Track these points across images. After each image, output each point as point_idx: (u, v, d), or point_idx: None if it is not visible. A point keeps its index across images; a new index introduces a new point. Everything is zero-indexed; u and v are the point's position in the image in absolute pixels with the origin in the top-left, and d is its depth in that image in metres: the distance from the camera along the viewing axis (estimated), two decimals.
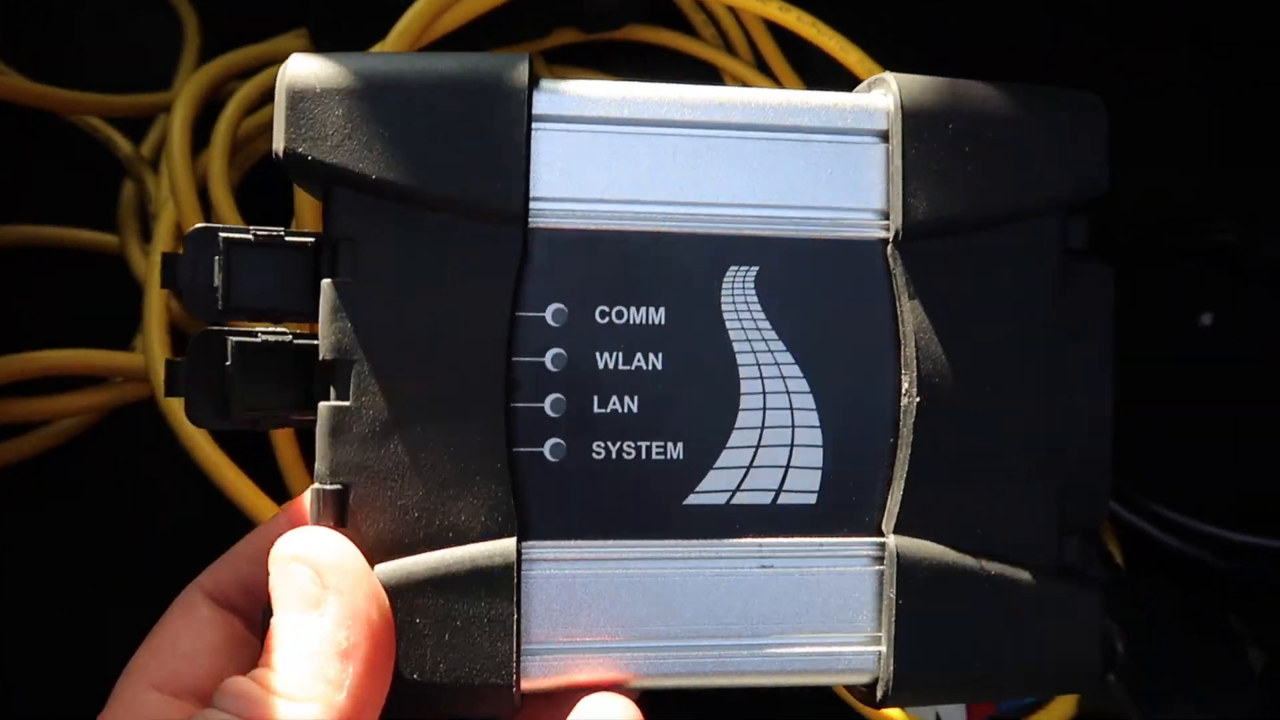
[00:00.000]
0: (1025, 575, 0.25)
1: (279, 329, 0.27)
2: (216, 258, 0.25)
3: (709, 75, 0.50)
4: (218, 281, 0.26)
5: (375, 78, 0.24)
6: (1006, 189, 0.25)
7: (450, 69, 0.24)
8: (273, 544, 0.26)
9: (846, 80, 0.46)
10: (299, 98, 0.23)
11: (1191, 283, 0.50)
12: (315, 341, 0.26)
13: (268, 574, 0.23)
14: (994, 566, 0.25)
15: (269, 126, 0.44)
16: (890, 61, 0.39)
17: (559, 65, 0.49)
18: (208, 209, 0.41)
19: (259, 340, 0.26)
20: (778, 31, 0.48)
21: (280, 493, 0.39)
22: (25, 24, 0.47)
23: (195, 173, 0.40)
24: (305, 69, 0.24)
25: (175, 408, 0.38)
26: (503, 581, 0.23)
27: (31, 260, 0.44)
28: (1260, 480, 0.49)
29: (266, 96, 0.44)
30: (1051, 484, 0.26)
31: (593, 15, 0.47)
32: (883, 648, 0.25)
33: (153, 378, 0.39)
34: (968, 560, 0.25)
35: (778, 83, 0.49)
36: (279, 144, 0.24)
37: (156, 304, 0.40)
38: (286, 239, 0.26)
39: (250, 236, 0.26)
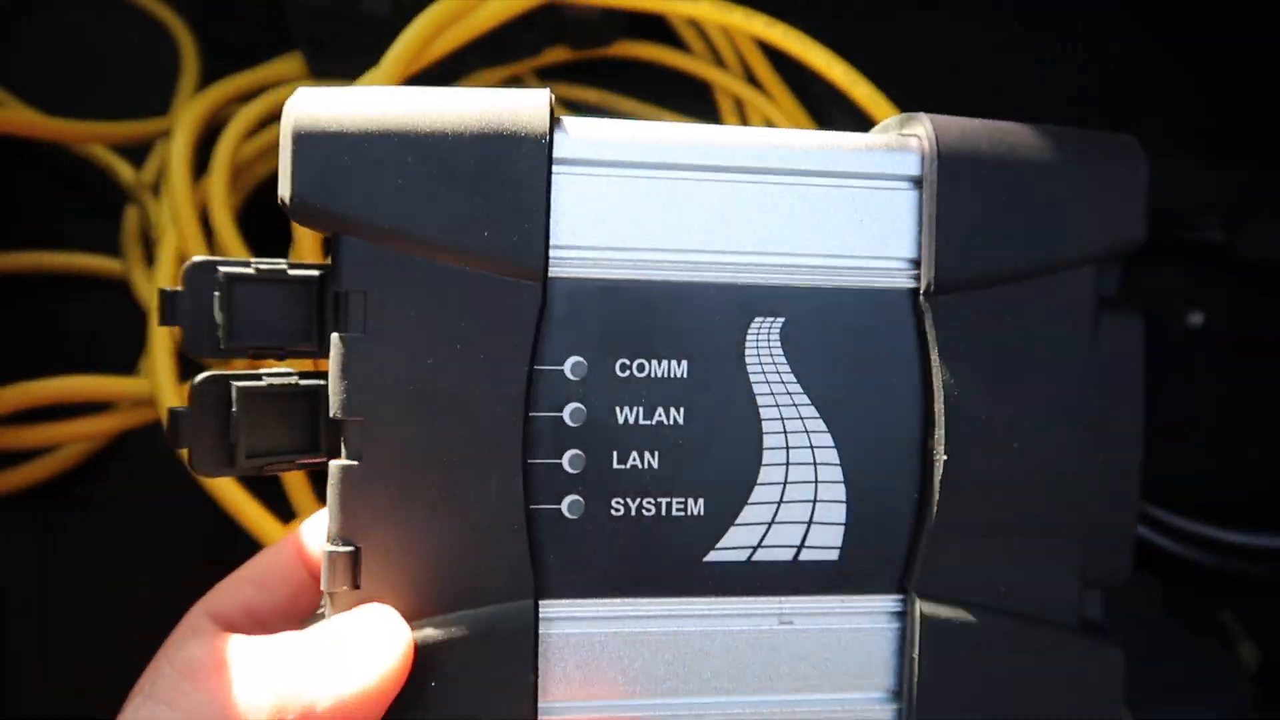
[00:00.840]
0: (1048, 633, 0.25)
1: (283, 369, 0.26)
2: (216, 293, 0.24)
3: (699, 89, 0.49)
4: (218, 318, 0.25)
5: (387, 119, 0.22)
6: (1043, 239, 0.25)
7: (466, 109, 0.23)
8: (275, 568, 0.25)
9: (835, 90, 0.45)
10: (306, 141, 0.22)
11: (1181, 282, 0.49)
12: (322, 381, 0.25)
13: (271, 598, 0.24)
14: (1017, 625, 0.25)
15: (268, 150, 0.44)
16: (878, 73, 0.38)
17: (552, 81, 0.48)
18: (210, 233, 0.40)
19: (264, 384, 0.25)
20: (766, 46, 0.48)
21: (285, 512, 0.39)
22: (24, 51, 0.47)
23: (196, 198, 0.40)
24: (311, 108, 0.22)
25: None
26: (520, 643, 0.23)
27: (37, 286, 0.45)
28: (1250, 478, 0.49)
29: (265, 119, 0.43)
30: (1076, 539, 0.25)
31: (579, 32, 0.47)
32: (902, 704, 0.25)
33: (158, 406, 0.39)
34: (990, 619, 0.25)
35: (767, 95, 0.48)
36: (285, 191, 0.22)
37: (161, 330, 0.39)
38: (290, 272, 0.25)
39: (252, 270, 0.25)
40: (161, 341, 0.39)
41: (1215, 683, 0.43)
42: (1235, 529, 0.48)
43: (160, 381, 0.39)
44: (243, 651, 0.21)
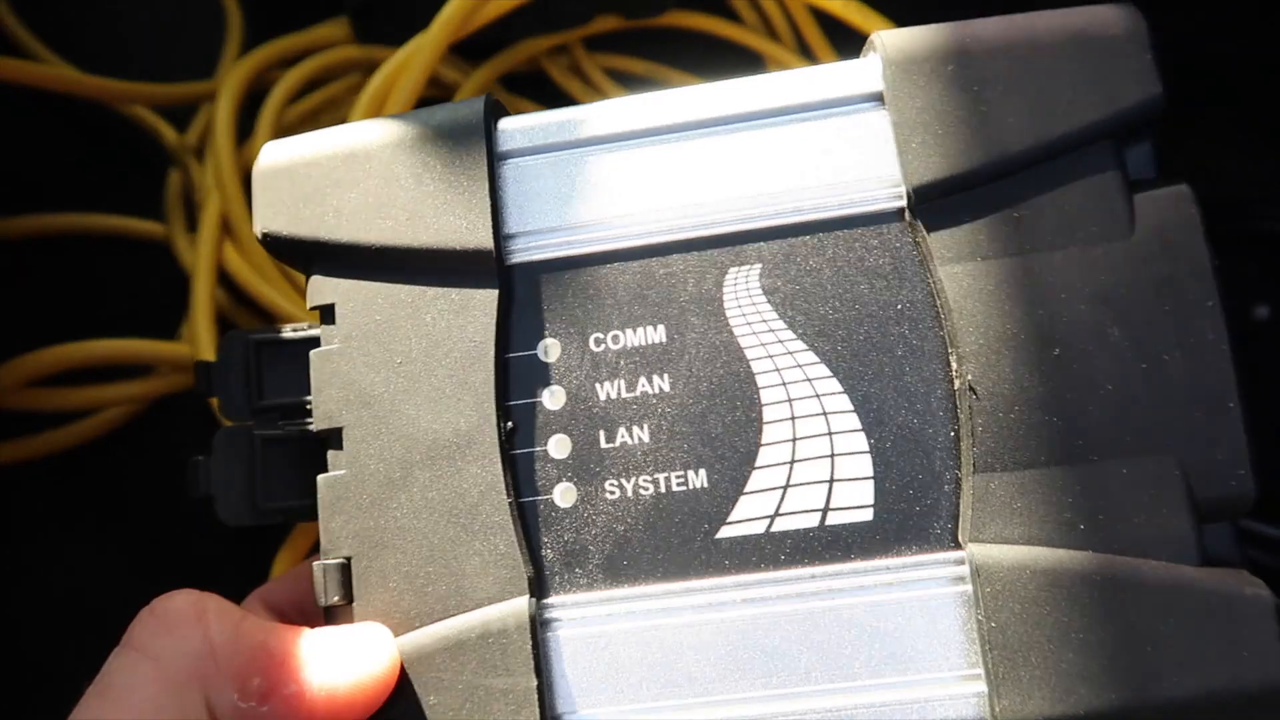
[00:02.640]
0: (1152, 571, 0.20)
1: (305, 420, 0.27)
2: (247, 362, 0.26)
3: (752, 61, 0.47)
4: (248, 384, 0.26)
5: (339, 146, 0.24)
6: (1033, 124, 0.22)
7: (410, 125, 0.24)
8: None
9: None
10: (268, 178, 0.24)
11: (1245, 275, 0.42)
12: None
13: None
14: (1107, 565, 0.20)
15: (312, 115, 0.44)
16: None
17: (601, 51, 0.47)
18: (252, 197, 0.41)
19: (282, 432, 0.26)
20: (822, 16, 0.46)
21: None
22: (71, 12, 0.47)
23: (240, 161, 0.40)
24: (275, 154, 0.24)
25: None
26: (518, 646, 0.21)
27: (78, 249, 0.44)
28: None
29: (309, 85, 0.44)
30: (1169, 459, 0.21)
31: (634, 0, 0.45)
32: (983, 686, 0.20)
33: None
34: (1070, 560, 0.20)
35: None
36: (257, 227, 0.24)
37: (204, 295, 0.39)
38: (314, 334, 0.26)
39: (280, 336, 0.26)
40: (203, 306, 0.39)
41: None
42: None
43: (201, 346, 0.38)
44: (225, 615, 0.20)
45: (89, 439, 0.42)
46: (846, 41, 0.45)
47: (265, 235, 0.24)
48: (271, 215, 0.24)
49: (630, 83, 0.47)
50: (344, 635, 0.21)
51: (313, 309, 0.24)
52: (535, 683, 0.21)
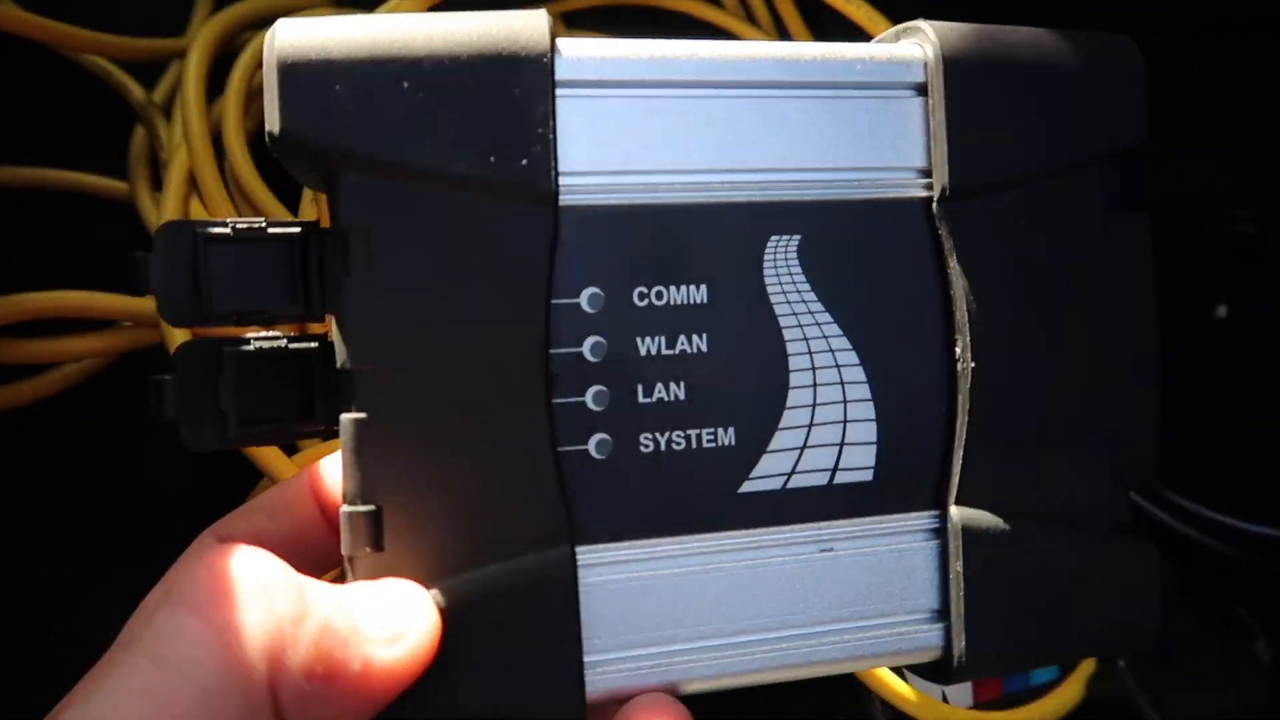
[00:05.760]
0: (1087, 537, 0.25)
1: (270, 333, 0.24)
2: (193, 257, 0.23)
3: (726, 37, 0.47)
4: (195, 283, 0.23)
5: (379, 45, 0.21)
6: (1050, 141, 0.24)
7: (461, 32, 0.21)
8: (289, 501, 0.24)
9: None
10: (293, 70, 0.21)
11: (1207, 274, 0.49)
12: (310, 344, 0.23)
13: (280, 528, 0.23)
14: (1056, 531, 0.24)
15: None
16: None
17: (577, 29, 0.46)
18: (220, 157, 0.38)
19: (254, 349, 0.23)
20: (801, 1, 0.47)
21: (291, 446, 0.37)
22: None
23: (209, 121, 0.38)
24: (297, 36, 0.21)
25: None
26: (560, 592, 0.22)
27: (41, 205, 0.42)
28: (1274, 471, 0.48)
29: None
30: (1105, 440, 0.25)
31: None
32: (951, 622, 0.24)
33: (162, 327, 0.37)
34: (1031, 527, 0.24)
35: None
36: (273, 124, 0.21)
37: None
38: (269, 230, 0.23)
39: (229, 230, 0.23)
40: None
41: (1231, 673, 0.43)
42: (1256, 521, 0.47)
43: None
44: (287, 583, 0.19)
45: (49, 394, 0.40)
46: (823, 29, 0.46)
47: (283, 135, 0.21)
48: (297, 115, 0.21)
49: None
50: (391, 600, 0.20)
51: (343, 231, 0.21)
52: (577, 629, 0.22)
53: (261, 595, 0.18)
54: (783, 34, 0.47)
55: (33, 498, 0.40)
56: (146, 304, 0.38)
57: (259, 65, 0.40)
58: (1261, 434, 0.48)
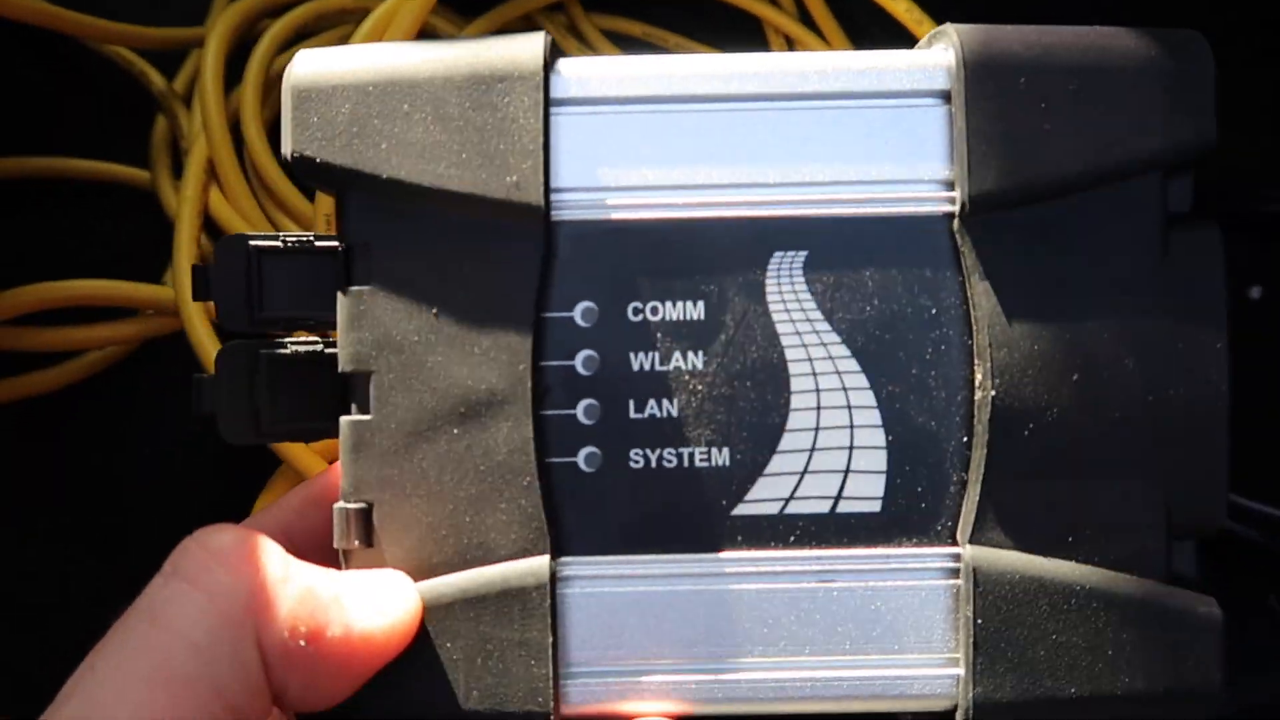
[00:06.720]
0: (1126, 585, 0.22)
1: (312, 338, 0.26)
2: (247, 267, 0.25)
3: (751, 25, 0.46)
4: (248, 293, 0.25)
5: (382, 71, 0.22)
6: (1093, 148, 0.22)
7: (460, 57, 0.22)
8: (317, 498, 0.25)
9: (895, 36, 0.42)
10: (304, 97, 0.22)
11: (1240, 255, 0.44)
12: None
13: (306, 524, 0.24)
14: (1088, 576, 0.22)
15: None
16: (949, 15, 0.36)
17: (597, 13, 0.46)
18: (239, 145, 0.40)
19: (289, 352, 0.25)
20: None
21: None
22: None
23: (227, 109, 0.40)
24: (311, 67, 0.23)
25: (206, 343, 0.37)
26: (536, 602, 0.22)
27: (63, 193, 0.43)
28: None
29: (298, 35, 0.43)
30: (1155, 482, 0.22)
31: None
32: (961, 670, 0.22)
33: (183, 315, 0.38)
34: (1056, 569, 0.22)
35: (821, 36, 0.45)
36: (287, 147, 0.22)
37: (188, 242, 0.39)
38: (316, 244, 0.25)
39: (280, 244, 0.25)
40: (186, 252, 0.39)
41: (1262, 664, 0.39)
42: None
43: (185, 292, 0.38)
44: (274, 554, 0.21)
45: (70, 382, 0.41)
46: (846, 9, 0.44)
47: (298, 157, 0.22)
48: (307, 137, 0.22)
49: (627, 45, 0.46)
50: (375, 581, 0.21)
51: (346, 245, 0.23)
52: (551, 638, 0.22)
53: (248, 562, 0.20)
54: (804, 17, 0.46)
55: (50, 484, 0.42)
56: (168, 293, 0.40)
57: (278, 52, 0.41)
58: None
